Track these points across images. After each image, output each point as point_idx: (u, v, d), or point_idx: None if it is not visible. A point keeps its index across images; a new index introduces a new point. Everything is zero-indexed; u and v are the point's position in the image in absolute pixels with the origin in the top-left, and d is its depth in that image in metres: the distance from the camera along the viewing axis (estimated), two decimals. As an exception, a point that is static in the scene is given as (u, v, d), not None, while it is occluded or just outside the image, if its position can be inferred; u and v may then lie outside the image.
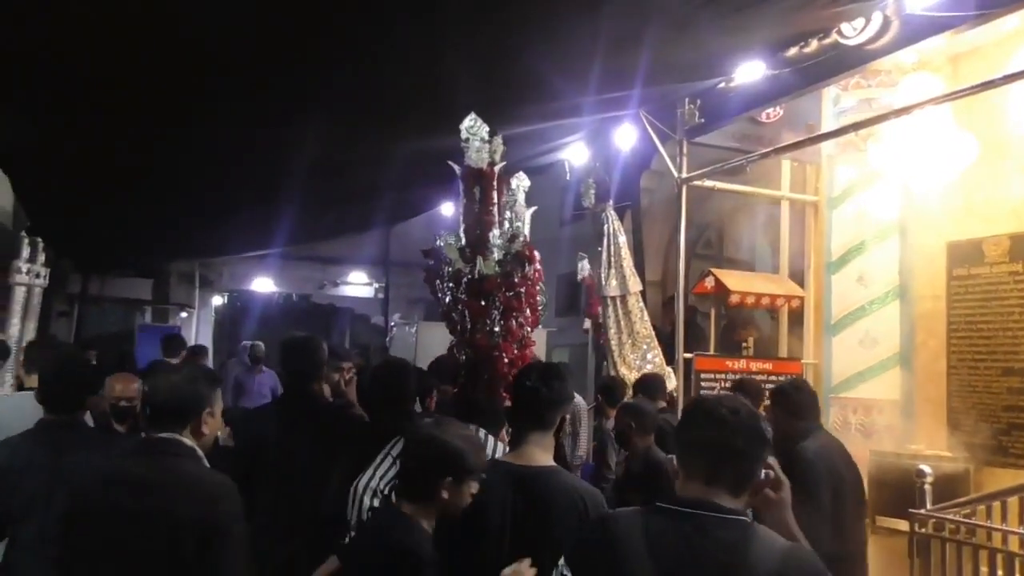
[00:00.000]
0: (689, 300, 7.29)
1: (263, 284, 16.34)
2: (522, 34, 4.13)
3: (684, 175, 6.73)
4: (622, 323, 6.98)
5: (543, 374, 2.73)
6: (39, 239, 6.39)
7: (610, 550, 1.82)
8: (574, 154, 7.89)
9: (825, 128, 6.75)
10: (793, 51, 5.42)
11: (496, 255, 3.69)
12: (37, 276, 6.27)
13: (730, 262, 9.82)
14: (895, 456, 6.18)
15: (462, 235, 3.75)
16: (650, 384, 5.76)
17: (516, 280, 3.68)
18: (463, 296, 3.68)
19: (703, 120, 6.57)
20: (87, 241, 9.18)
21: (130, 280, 14.18)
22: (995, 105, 5.73)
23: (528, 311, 3.80)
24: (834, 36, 5.18)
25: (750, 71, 5.64)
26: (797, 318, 7.73)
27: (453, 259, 3.71)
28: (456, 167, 3.78)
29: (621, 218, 7.62)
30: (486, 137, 3.77)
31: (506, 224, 3.92)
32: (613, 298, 7.17)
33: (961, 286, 6.47)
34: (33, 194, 6.47)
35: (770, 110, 7.02)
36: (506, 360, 3.65)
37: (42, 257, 6.33)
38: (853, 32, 5.07)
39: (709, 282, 7.49)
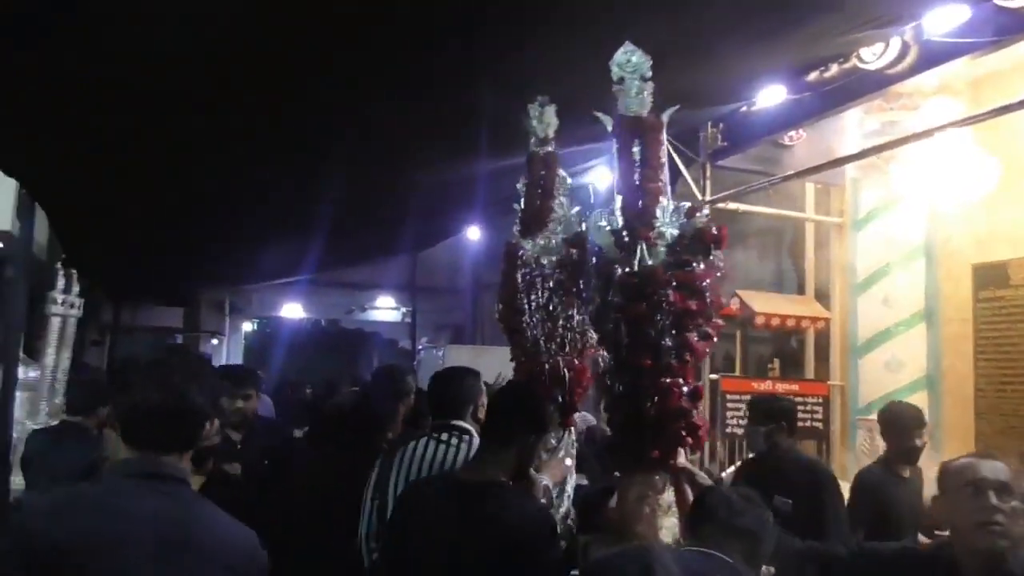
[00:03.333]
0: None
1: (292, 310, 16.59)
2: (552, 65, 4.23)
3: (708, 197, 6.81)
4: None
5: (515, 390, 2.80)
6: (73, 270, 6.57)
7: None
8: (597, 178, 7.99)
9: (848, 150, 6.79)
10: (814, 75, 5.50)
11: (667, 237, 2.57)
12: (72, 307, 6.44)
13: (756, 282, 9.83)
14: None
15: (618, 214, 2.65)
16: None
17: (698, 272, 2.53)
18: (615, 299, 2.55)
19: (726, 143, 6.66)
20: (120, 271, 9.40)
21: (161, 309, 14.47)
22: (1016, 128, 5.77)
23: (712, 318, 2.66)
24: (853, 61, 5.27)
25: (771, 95, 5.71)
26: (823, 340, 7.73)
27: (605, 247, 2.61)
28: (607, 119, 2.82)
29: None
30: (648, 74, 2.75)
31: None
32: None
33: (987, 308, 6.47)
34: (67, 226, 6.67)
35: (792, 132, 7.08)
36: (683, 392, 2.50)
37: (76, 288, 6.51)
38: (873, 57, 5.15)
39: (734, 304, 7.52)
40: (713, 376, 6.67)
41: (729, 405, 6.62)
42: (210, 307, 15.52)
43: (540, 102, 3.80)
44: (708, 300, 2.54)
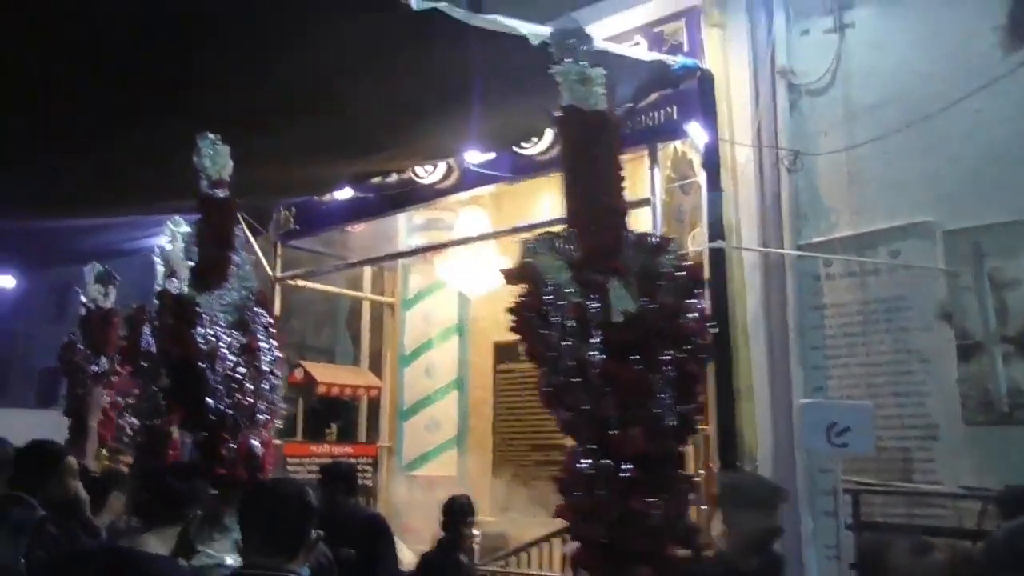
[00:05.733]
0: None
1: None
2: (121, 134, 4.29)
3: (278, 274, 7.34)
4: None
5: (182, 469, 2.95)
6: None
7: None
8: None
9: (401, 239, 7.91)
10: (377, 180, 6.45)
11: (640, 271, 1.96)
12: None
13: (315, 352, 10.48)
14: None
15: (566, 234, 1.99)
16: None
17: (690, 322, 2.01)
18: (594, 355, 1.99)
19: (297, 227, 7.29)
20: None
21: None
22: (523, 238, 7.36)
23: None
24: (409, 173, 6.34)
25: (343, 192, 6.53)
26: (375, 406, 8.65)
27: (562, 283, 2.02)
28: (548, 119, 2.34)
29: (213, 309, 7.85)
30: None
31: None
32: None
33: (504, 379, 8.01)
34: None
35: (355, 222, 7.97)
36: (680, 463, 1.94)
37: None
38: (425, 174, 6.26)
39: (299, 373, 8.05)
40: (277, 442, 7.07)
41: (289, 468, 7.07)
42: None
43: (211, 140, 3.47)
44: (702, 357, 2.06)
